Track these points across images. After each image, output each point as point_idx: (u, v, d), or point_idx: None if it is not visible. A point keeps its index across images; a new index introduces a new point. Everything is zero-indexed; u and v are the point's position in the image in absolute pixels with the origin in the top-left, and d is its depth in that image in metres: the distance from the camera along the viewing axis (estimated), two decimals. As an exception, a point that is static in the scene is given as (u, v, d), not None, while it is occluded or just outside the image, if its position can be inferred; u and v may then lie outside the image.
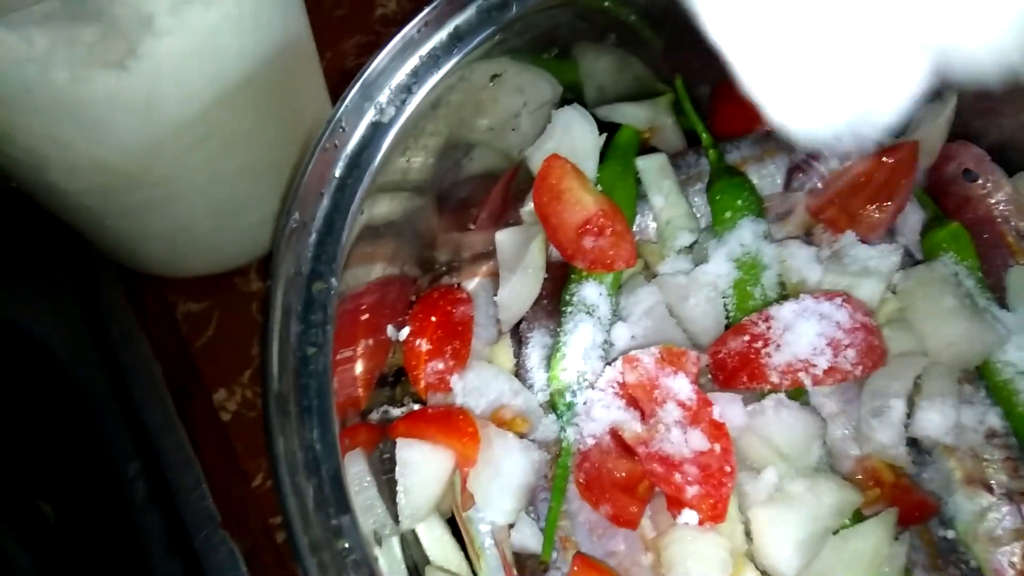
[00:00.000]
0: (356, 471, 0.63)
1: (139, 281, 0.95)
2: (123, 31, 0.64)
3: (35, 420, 0.94)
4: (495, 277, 0.80)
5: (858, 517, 0.63)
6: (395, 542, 0.65)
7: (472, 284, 0.81)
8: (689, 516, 0.58)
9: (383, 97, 0.63)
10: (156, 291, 0.96)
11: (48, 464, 0.95)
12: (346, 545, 0.48)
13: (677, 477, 0.58)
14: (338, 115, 0.60)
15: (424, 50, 0.65)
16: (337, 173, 0.59)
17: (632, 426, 0.61)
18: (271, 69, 0.75)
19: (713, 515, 0.57)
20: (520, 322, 0.76)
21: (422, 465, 0.64)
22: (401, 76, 0.64)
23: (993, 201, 0.75)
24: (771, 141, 0.81)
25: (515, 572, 0.64)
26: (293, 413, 0.51)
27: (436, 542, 0.67)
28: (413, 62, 0.64)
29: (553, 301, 0.77)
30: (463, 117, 0.75)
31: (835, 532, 0.61)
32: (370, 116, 0.62)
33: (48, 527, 0.93)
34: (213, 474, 0.88)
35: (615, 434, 0.63)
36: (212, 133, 0.75)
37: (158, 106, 0.69)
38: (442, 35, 0.65)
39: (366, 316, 0.73)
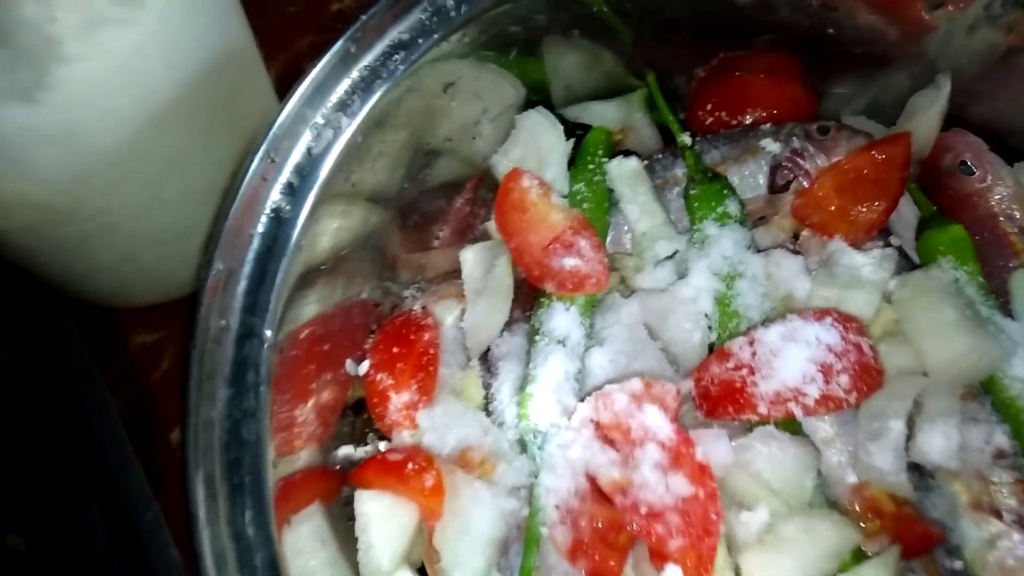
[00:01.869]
0: (310, 531, 0.58)
1: (91, 312, 0.89)
2: (28, 60, 0.58)
3: (3, 452, 0.90)
4: (463, 299, 0.75)
5: (858, 554, 0.58)
6: (360, 600, 0.61)
7: (439, 308, 0.75)
8: (674, 572, 0.53)
9: (319, 118, 0.57)
10: (108, 322, 0.90)
11: (19, 498, 0.90)
12: (284, 645, 0.43)
13: (659, 528, 0.53)
14: (267, 144, 0.54)
15: (363, 62, 0.59)
16: (268, 209, 0.53)
17: (609, 471, 0.56)
18: (208, 84, 0.69)
19: (699, 569, 0.53)
20: (490, 349, 0.71)
21: (383, 519, 0.59)
22: (339, 93, 0.58)
23: (993, 196, 0.70)
24: (752, 137, 0.76)
25: (489, 631, 0.59)
26: (221, 494, 0.46)
27: (406, 597, 0.62)
28: (350, 77, 0.58)
29: (525, 324, 0.71)
30: (417, 127, 0.69)
31: (835, 575, 0.56)
32: (305, 141, 0.56)
33: (20, 559, 0.89)
34: (176, 514, 0.83)
35: (591, 479, 0.57)
36: (147, 159, 0.69)
37: (81, 136, 0.63)
38: (382, 46, 0.59)
39: (321, 348, 0.68)
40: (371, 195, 0.68)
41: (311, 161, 0.56)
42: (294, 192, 0.56)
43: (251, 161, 0.54)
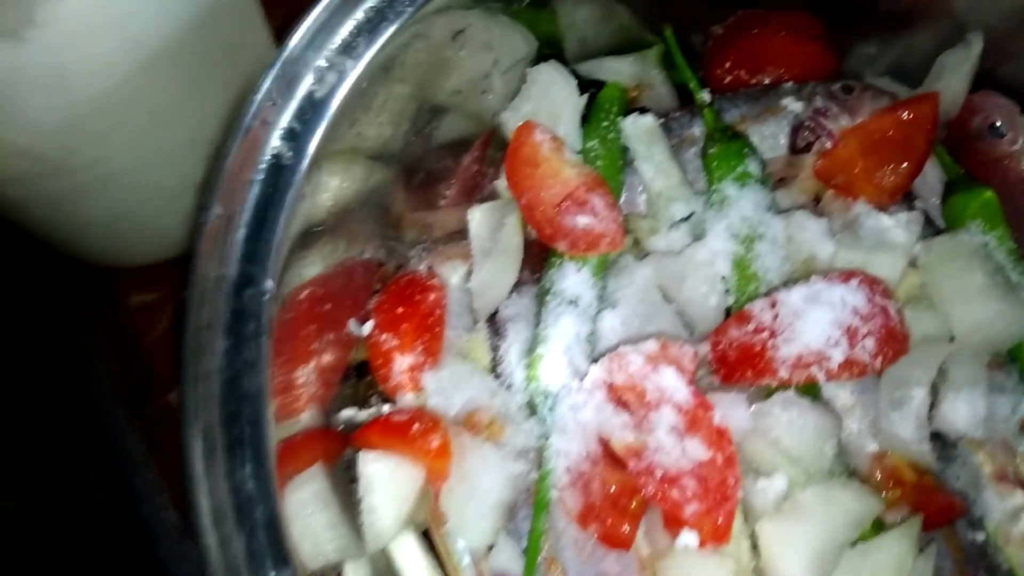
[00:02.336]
0: (311, 491, 0.56)
1: (85, 272, 0.87)
2: (15, -5, 0.55)
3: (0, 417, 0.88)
4: (470, 260, 0.72)
5: (878, 524, 0.56)
6: (362, 564, 0.59)
7: (444, 269, 0.72)
8: (689, 538, 0.51)
9: (322, 60, 0.54)
10: (104, 283, 0.88)
11: (17, 466, 0.88)
12: (284, 606, 0.41)
13: (675, 493, 0.51)
14: (267, 85, 0.51)
15: (369, 2, 0.56)
16: (268, 155, 0.51)
17: (622, 434, 0.54)
18: (203, 32, 0.66)
19: (716, 536, 0.51)
20: (497, 311, 0.69)
21: (387, 481, 0.57)
22: (343, 35, 0.55)
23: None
24: (773, 96, 0.73)
25: (495, 597, 0.58)
26: (220, 446, 0.43)
27: (410, 561, 0.60)
28: (355, 18, 0.55)
29: (534, 286, 0.69)
30: (424, 79, 0.66)
31: (853, 544, 0.54)
32: (307, 84, 0.53)
33: (20, 523, 0.88)
34: (173, 478, 0.81)
35: (604, 442, 0.55)
36: (139, 108, 0.66)
37: (70, 80, 0.60)
38: (390, -15, 0.55)
39: (324, 307, 0.65)
40: (375, 150, 0.65)
41: (314, 106, 0.53)
42: (296, 138, 0.53)
43: (251, 103, 0.51)
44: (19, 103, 0.60)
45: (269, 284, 0.48)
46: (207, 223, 0.48)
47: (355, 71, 0.55)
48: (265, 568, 0.42)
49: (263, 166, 0.51)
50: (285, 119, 0.52)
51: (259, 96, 0.51)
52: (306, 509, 0.56)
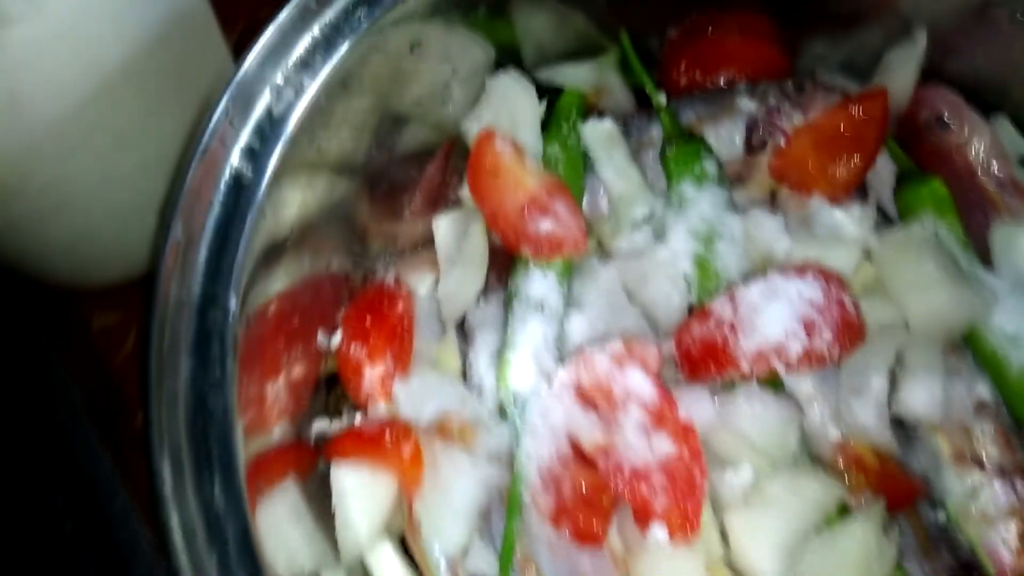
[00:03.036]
0: (285, 505, 0.56)
1: (49, 295, 0.86)
2: (-36, 19, 0.54)
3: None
4: (437, 269, 0.72)
5: (842, 509, 0.57)
6: (340, 574, 0.59)
7: (412, 278, 0.73)
8: (659, 532, 0.52)
9: (279, 78, 0.54)
10: (67, 305, 0.87)
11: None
12: (258, 619, 0.41)
13: (643, 489, 0.52)
14: (224, 103, 0.51)
15: (324, 19, 0.56)
16: (228, 174, 0.51)
17: (591, 434, 0.55)
18: (162, 51, 0.66)
19: (684, 528, 0.52)
20: (465, 318, 0.69)
21: (361, 492, 0.57)
22: (299, 52, 0.55)
23: (971, 151, 0.69)
24: (728, 97, 0.74)
25: (473, 601, 0.58)
26: (188, 468, 0.43)
27: (387, 570, 0.60)
28: (312, 34, 0.55)
29: (501, 292, 0.69)
30: (383, 92, 0.66)
31: (819, 531, 0.56)
32: (264, 102, 0.53)
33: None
34: (145, 499, 0.81)
35: (573, 443, 0.56)
36: (97, 130, 0.65)
37: (24, 104, 0.60)
38: (343, 1, 0.56)
39: (291, 322, 0.65)
40: (337, 164, 0.65)
41: (272, 123, 0.54)
42: (255, 157, 0.53)
43: (208, 122, 0.51)
44: (-28, 128, 0.59)
45: (232, 304, 0.48)
46: (168, 244, 0.48)
47: (312, 87, 0.55)
48: (238, 585, 0.42)
49: (223, 186, 0.51)
50: (243, 138, 0.52)
51: (216, 115, 0.51)
52: (280, 523, 0.56)
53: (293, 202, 0.58)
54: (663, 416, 0.54)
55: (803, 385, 0.63)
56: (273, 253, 0.56)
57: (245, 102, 0.53)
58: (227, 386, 0.46)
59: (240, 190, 0.51)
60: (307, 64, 0.55)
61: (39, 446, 0.83)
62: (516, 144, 0.67)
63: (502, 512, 0.58)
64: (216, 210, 0.50)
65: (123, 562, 0.79)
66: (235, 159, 0.51)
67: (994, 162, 0.68)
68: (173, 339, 0.46)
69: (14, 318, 0.87)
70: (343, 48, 0.57)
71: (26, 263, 0.82)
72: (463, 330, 0.69)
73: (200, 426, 0.45)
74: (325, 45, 0.56)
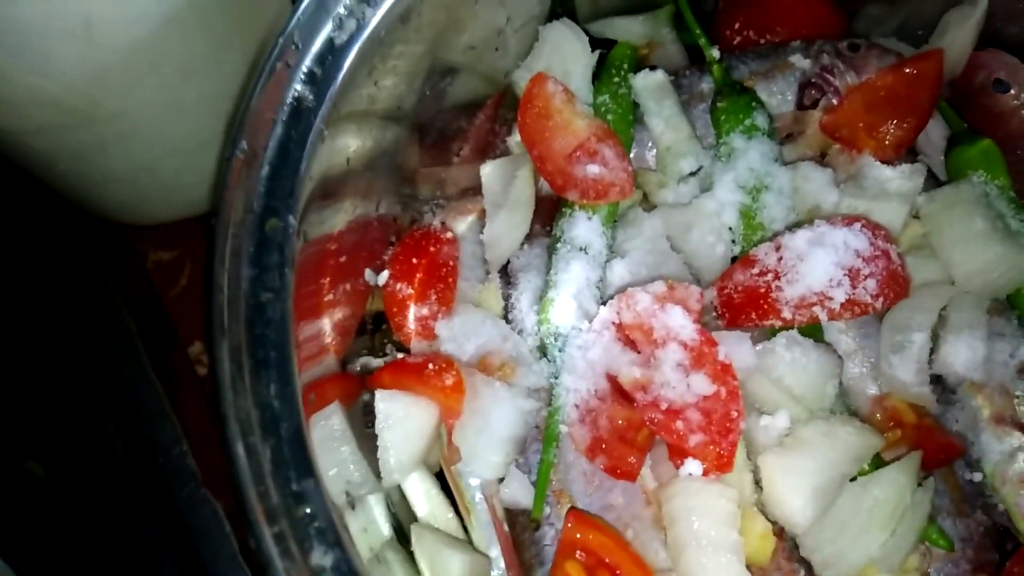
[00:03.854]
0: (330, 426, 0.58)
1: (106, 230, 0.89)
2: (48, -58, 0.56)
3: (19, 380, 0.90)
4: (483, 215, 0.74)
5: (877, 462, 0.58)
6: (375, 501, 0.61)
7: (458, 222, 0.74)
8: (693, 466, 0.53)
9: (341, 8, 0.55)
10: (124, 240, 0.90)
11: (37, 423, 0.91)
12: (308, 511, 0.43)
13: (679, 425, 0.53)
14: (289, 29, 0.53)
15: (387, -45, 0.57)
16: (291, 96, 0.52)
17: (630, 371, 0.56)
18: (225, -12, 0.68)
19: (719, 464, 0.52)
20: (509, 262, 0.70)
21: (403, 418, 0.59)
22: (362, -16, 0.56)
23: (1028, 113, 0.68)
24: (782, 54, 0.74)
25: (506, 529, 0.60)
26: (247, 367, 0.45)
27: (423, 498, 0.62)
28: (374, -32, 0.56)
29: (545, 238, 0.71)
30: (439, 34, 0.67)
31: (853, 479, 0.56)
32: (327, 30, 0.55)
33: (39, 486, 0.90)
34: (193, 430, 0.84)
35: (611, 379, 0.57)
36: (164, 60, 0.68)
37: (99, 29, 0.62)
38: (408, -65, 0.57)
39: (340, 259, 0.67)
40: (390, 107, 0.67)
41: (333, 51, 0.55)
42: (316, 82, 0.54)
43: (275, 44, 0.52)
44: (49, 52, 0.62)
45: (292, 219, 0.50)
46: (233, 158, 0.50)
47: (374, 19, 0.57)
48: (289, 477, 0.44)
49: (286, 107, 0.52)
50: (306, 62, 0.54)
51: (282, 38, 0.53)
52: (330, 440, 0.58)
53: (348, 135, 0.59)
54: (702, 356, 0.55)
55: (844, 339, 0.63)
56: (327, 187, 0.57)
57: (310, 28, 0.54)
58: (285, 294, 0.48)
59: (301, 113, 0.53)
60: (370, -4, 0.56)
61: (93, 373, 0.87)
62: (567, 89, 0.67)
63: (539, 446, 0.60)
64: (279, 129, 0.52)
65: (168, 486, 0.82)
66: (297, 83, 0.53)
67: (1052, 126, 0.67)
68: (236, 247, 0.48)
69: (73, 249, 0.90)
70: (405, -18, 0.58)
71: (87, 196, 0.85)
72: (507, 273, 0.71)
73: (259, 330, 0.47)
74: (388, -22, 0.57)
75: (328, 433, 0.58)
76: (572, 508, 0.57)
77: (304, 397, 0.51)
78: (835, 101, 0.71)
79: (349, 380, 0.65)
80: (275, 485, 0.44)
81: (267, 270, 0.48)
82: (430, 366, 0.60)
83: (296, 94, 0.53)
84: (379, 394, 0.59)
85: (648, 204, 0.72)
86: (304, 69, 0.53)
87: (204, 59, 0.70)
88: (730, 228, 0.65)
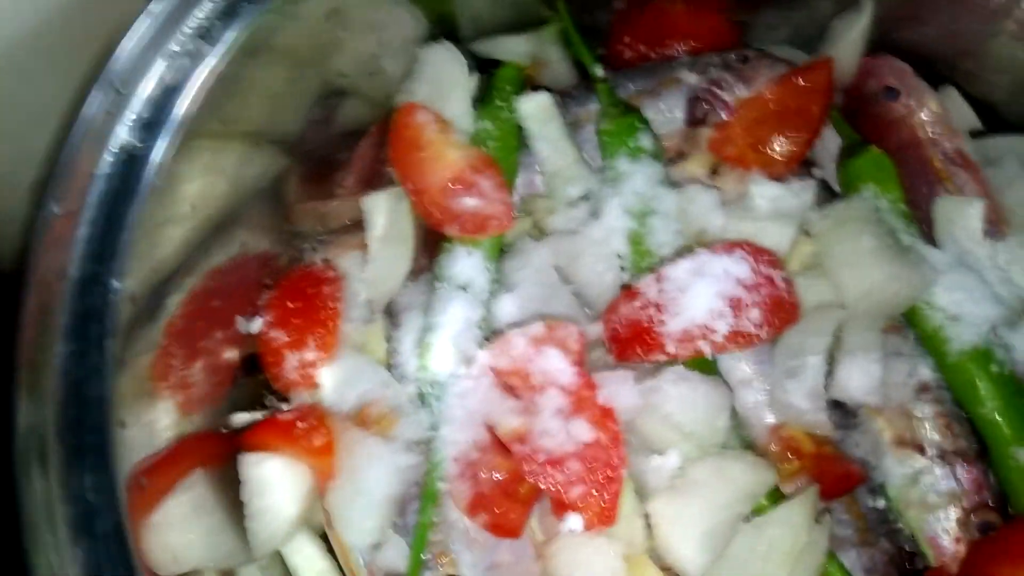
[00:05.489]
0: (192, 498, 0.54)
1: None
2: None
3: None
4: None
5: (775, 497, 0.55)
6: (254, 570, 0.57)
7: (342, 259, 0.70)
8: (574, 521, 0.50)
9: (174, 45, 0.51)
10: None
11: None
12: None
13: (559, 476, 0.50)
14: (111, 74, 0.48)
15: (225, -17, 0.53)
16: (114, 147, 0.48)
17: (508, 419, 0.52)
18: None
19: (602, 517, 0.49)
20: (394, 301, 0.67)
21: (272, 484, 0.55)
22: (197, 18, 0.52)
23: (917, 121, 0.66)
24: (669, 69, 0.71)
25: (390, 595, 0.56)
26: (56, 456, 0.41)
27: (306, 564, 0.58)
28: (210, 2, 0.52)
29: (431, 274, 0.67)
30: (304, 62, 0.63)
31: (748, 518, 0.53)
32: (157, 71, 0.50)
33: None
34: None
35: (492, 430, 0.54)
36: None
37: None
38: (245, -37, 0.53)
39: (210, 305, 0.63)
40: (256, 137, 0.63)
41: (165, 93, 0.50)
42: (146, 128, 0.50)
43: (94, 92, 0.48)
44: None
45: (116, 283, 0.45)
46: (46, 221, 0.45)
47: (212, 56, 0.52)
48: (103, 581, 0.40)
49: (109, 159, 0.48)
50: (134, 108, 0.49)
51: (103, 85, 0.48)
52: (188, 516, 0.54)
53: (195, 176, 0.55)
54: (582, 400, 0.52)
55: (740, 367, 0.60)
56: (170, 235, 0.53)
57: (136, 71, 0.49)
58: (106, 371, 0.43)
59: (129, 163, 0.48)
60: (207, 31, 0.52)
61: None
62: (440, 117, 0.64)
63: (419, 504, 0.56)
64: (101, 185, 0.47)
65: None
66: (123, 131, 0.48)
67: (941, 134, 0.66)
68: (48, 321, 0.43)
69: None
70: (248, 15, 0.54)
71: None
72: (391, 313, 0.67)
73: (72, 414, 0.42)
74: (227, 11, 0.53)
75: (191, 504, 0.54)
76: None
77: (158, 474, 0.46)
78: (724, 116, 0.69)
79: (217, 440, 0.61)
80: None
81: (87, 344, 0.43)
82: (299, 424, 0.56)
83: (122, 143, 0.48)
84: (243, 459, 0.55)
85: (540, 232, 0.68)
86: (132, 116, 0.49)
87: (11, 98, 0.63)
88: (619, 255, 0.62)
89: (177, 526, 0.53)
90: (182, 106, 0.51)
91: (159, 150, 0.50)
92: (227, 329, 0.64)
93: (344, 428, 0.57)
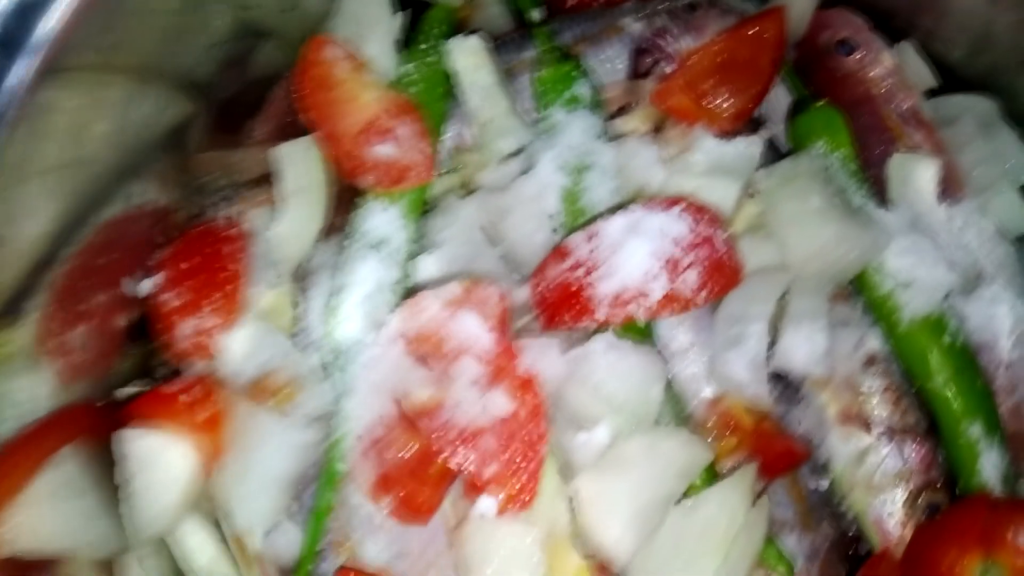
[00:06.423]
0: (62, 477, 0.47)
1: None
2: None
3: None
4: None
5: (710, 476, 0.51)
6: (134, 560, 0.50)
7: (253, 216, 0.63)
8: (487, 504, 0.44)
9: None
10: None
11: None
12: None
13: (470, 454, 0.44)
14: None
15: None
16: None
17: (417, 392, 0.47)
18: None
19: (517, 499, 0.44)
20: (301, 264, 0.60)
21: (151, 462, 0.48)
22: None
23: (872, 76, 0.62)
24: (612, 17, 0.66)
25: (283, 585, 0.50)
26: None
27: (196, 551, 0.52)
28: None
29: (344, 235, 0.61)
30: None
31: (680, 500, 0.49)
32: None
33: None
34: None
35: (400, 403, 0.48)
36: None
37: None
38: None
39: (95, 263, 0.56)
40: (146, 72, 0.56)
41: (23, 9, 0.43)
42: (2, 48, 0.43)
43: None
44: None
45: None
46: None
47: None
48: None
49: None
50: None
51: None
52: (56, 497, 0.47)
53: (66, 111, 0.48)
54: (500, 369, 0.46)
55: (678, 335, 0.56)
56: (47, 171, 0.46)
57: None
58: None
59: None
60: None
61: None
62: (353, 55, 0.57)
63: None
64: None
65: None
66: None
67: (896, 91, 0.62)
68: None
69: None
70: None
71: None
72: (300, 275, 0.60)
73: None
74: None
75: (59, 483, 0.48)
76: (342, 567, 0.47)
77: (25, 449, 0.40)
78: (669, 68, 0.63)
79: (97, 413, 0.54)
80: None
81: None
82: (182, 397, 0.49)
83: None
84: (118, 435, 0.48)
85: (467, 190, 0.63)
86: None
87: None
88: (551, 215, 0.57)
89: (43, 506, 0.46)
90: (45, 26, 0.44)
91: (15, 75, 0.43)
92: (113, 290, 0.57)
93: (235, 401, 0.50)
